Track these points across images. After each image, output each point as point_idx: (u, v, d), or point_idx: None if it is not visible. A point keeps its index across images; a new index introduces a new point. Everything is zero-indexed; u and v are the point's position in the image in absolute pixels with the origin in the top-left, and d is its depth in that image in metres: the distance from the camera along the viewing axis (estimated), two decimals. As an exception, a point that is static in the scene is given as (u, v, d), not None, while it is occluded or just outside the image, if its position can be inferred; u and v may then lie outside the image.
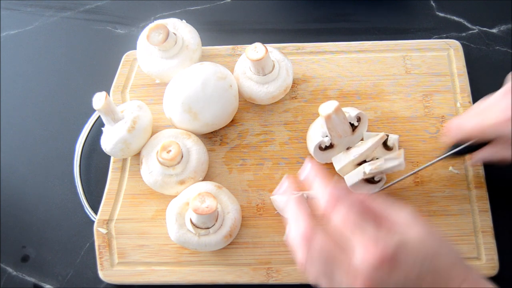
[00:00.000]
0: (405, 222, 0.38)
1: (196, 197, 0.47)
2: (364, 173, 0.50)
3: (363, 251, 0.36)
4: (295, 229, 0.38)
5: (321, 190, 0.39)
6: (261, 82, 0.55)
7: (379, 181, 0.52)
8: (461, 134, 0.48)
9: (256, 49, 0.53)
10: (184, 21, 0.59)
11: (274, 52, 0.56)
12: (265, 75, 0.54)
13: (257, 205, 0.54)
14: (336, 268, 0.38)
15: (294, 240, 0.38)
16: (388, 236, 0.37)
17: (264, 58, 0.52)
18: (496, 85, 0.47)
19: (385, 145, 0.55)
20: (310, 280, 0.38)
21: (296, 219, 0.39)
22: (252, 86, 0.55)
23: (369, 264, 0.36)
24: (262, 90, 0.55)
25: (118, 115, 0.53)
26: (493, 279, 0.50)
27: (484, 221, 0.51)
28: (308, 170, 0.40)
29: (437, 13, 0.65)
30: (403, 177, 0.52)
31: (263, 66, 0.53)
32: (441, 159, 0.51)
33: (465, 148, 0.49)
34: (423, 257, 0.38)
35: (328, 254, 0.38)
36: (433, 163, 0.51)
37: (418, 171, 0.52)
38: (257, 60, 0.52)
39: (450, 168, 0.54)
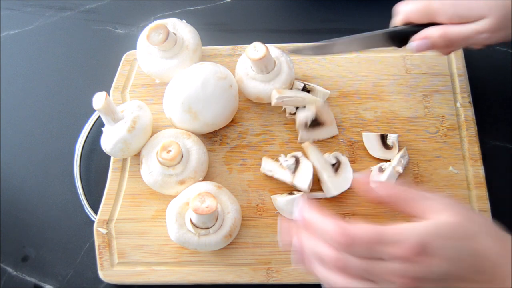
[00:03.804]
0: (433, 209, 0.37)
1: (196, 197, 0.47)
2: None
3: (393, 252, 0.35)
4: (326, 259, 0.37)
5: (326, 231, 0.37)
6: (266, 80, 0.55)
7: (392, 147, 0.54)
8: (403, 12, 0.48)
9: (256, 49, 0.53)
10: (184, 21, 0.59)
11: (271, 48, 0.56)
12: (269, 72, 0.54)
13: (257, 205, 0.54)
14: (378, 277, 0.36)
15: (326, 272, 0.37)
16: (411, 232, 0.35)
17: (266, 56, 0.52)
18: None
19: (385, 144, 0.55)
20: None
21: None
22: (258, 85, 0.55)
23: (403, 260, 0.34)
24: (269, 87, 0.55)
25: (118, 115, 0.53)
26: (493, 279, 0.50)
27: (484, 221, 0.51)
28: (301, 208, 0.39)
29: (437, 13, 0.65)
30: None
31: (266, 64, 0.53)
32: (375, 34, 0.50)
33: (404, 31, 0.48)
34: (456, 236, 0.35)
35: (365, 268, 0.36)
36: (362, 37, 0.51)
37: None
38: (259, 59, 0.52)
39: (450, 168, 0.54)
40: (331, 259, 0.36)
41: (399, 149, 0.55)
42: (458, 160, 0.55)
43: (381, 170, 0.53)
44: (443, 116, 0.57)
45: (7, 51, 0.67)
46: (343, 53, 0.55)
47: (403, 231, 0.35)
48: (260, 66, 0.54)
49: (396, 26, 0.49)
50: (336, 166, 0.53)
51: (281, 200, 0.52)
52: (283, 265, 0.52)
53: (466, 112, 0.57)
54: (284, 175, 0.53)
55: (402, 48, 0.50)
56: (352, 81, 0.59)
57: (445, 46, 0.47)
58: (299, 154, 0.54)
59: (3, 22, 0.69)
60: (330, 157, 0.54)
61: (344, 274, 0.37)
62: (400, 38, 0.49)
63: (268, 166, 0.54)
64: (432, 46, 0.47)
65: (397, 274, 0.35)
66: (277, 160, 0.54)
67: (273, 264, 0.52)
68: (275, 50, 0.56)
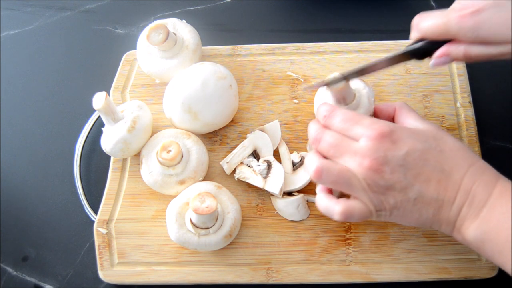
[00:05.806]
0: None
1: (196, 197, 0.47)
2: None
3: (364, 132, 0.41)
4: (310, 138, 0.46)
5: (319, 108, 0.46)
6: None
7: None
8: (420, 31, 0.46)
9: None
10: (184, 21, 0.59)
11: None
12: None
13: (257, 205, 0.54)
14: (344, 153, 0.42)
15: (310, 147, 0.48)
16: (385, 122, 0.42)
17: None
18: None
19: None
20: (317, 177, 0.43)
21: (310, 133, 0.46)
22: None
23: (371, 139, 0.41)
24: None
25: (118, 115, 0.53)
26: (493, 279, 0.50)
27: (484, 221, 0.51)
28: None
29: (437, 13, 0.65)
30: None
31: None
32: (396, 55, 0.48)
33: (424, 47, 0.46)
34: (424, 136, 0.42)
35: (335, 143, 0.43)
36: (386, 59, 0.48)
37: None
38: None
39: (450, 168, 0.54)
40: (313, 131, 0.45)
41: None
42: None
43: None
44: (443, 116, 0.57)
45: (7, 51, 0.67)
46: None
47: (379, 120, 0.42)
48: None
49: (415, 42, 0.47)
50: (297, 165, 0.54)
51: (280, 200, 0.52)
52: (283, 265, 0.52)
53: (466, 112, 0.57)
54: (257, 181, 0.53)
55: (424, 60, 0.48)
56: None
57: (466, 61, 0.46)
58: (271, 158, 0.54)
59: (3, 22, 0.69)
60: (295, 156, 0.54)
61: (316, 145, 0.44)
62: (421, 53, 0.47)
63: (242, 173, 0.54)
64: (453, 61, 0.46)
65: (361, 151, 0.41)
66: (251, 166, 0.54)
67: (273, 264, 0.52)
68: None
